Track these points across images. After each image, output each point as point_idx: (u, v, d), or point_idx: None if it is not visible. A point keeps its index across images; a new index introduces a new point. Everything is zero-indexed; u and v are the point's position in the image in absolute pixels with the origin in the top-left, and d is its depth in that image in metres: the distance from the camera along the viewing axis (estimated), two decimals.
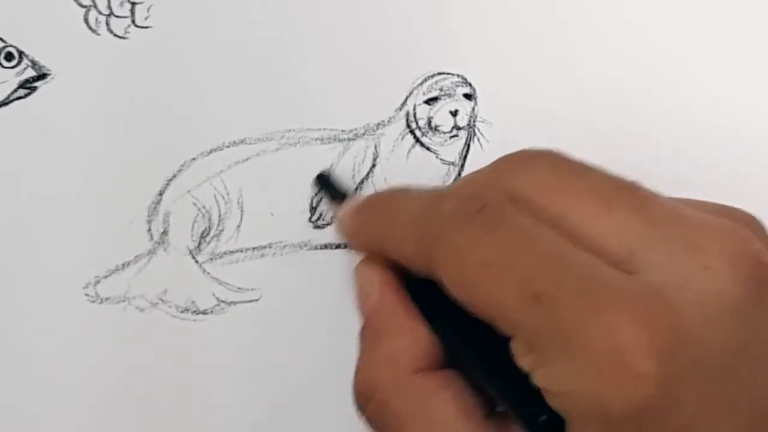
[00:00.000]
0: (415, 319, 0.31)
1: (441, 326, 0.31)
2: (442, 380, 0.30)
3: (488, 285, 0.27)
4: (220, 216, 0.39)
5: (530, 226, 0.28)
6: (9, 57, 0.38)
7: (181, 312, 0.38)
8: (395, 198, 0.33)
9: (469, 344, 0.30)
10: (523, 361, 0.27)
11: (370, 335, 0.32)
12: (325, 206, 0.39)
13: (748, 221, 0.29)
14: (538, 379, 0.27)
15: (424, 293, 0.32)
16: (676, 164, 0.39)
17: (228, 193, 0.38)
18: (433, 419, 0.30)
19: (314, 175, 0.38)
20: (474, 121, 0.39)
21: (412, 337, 0.31)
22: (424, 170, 0.39)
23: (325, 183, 0.38)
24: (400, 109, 0.39)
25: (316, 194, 0.38)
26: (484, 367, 0.30)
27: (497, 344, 0.28)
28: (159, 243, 0.38)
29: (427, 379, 0.30)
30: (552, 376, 0.26)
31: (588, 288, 0.26)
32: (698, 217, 0.28)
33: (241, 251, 0.39)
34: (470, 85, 0.39)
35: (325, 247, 0.39)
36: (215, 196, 0.38)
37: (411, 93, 0.39)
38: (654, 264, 0.27)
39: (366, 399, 0.31)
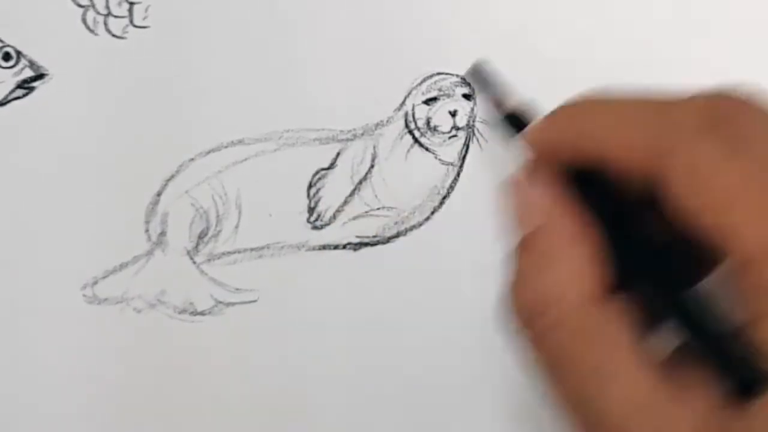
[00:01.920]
0: (596, 239, 0.29)
1: (624, 244, 0.29)
2: (620, 309, 0.29)
3: (732, 213, 0.26)
4: (218, 216, 0.38)
5: None
6: (7, 57, 0.38)
7: (179, 313, 0.38)
8: (617, 98, 0.30)
9: (655, 269, 0.29)
10: (752, 304, 0.26)
11: (534, 257, 0.30)
12: (323, 206, 0.39)
13: None
14: (763, 331, 0.26)
15: (603, 203, 0.30)
16: None
17: (226, 194, 0.38)
18: (611, 345, 0.28)
19: (312, 175, 0.38)
20: (473, 122, 0.39)
21: (592, 258, 0.29)
22: (422, 171, 0.39)
23: (481, 77, 0.35)
24: (399, 109, 0.39)
25: (474, 86, 0.36)
26: (673, 302, 0.29)
27: (680, 278, 0.28)
28: (157, 244, 0.38)
29: (607, 305, 0.29)
30: None
31: None
32: None
33: (239, 252, 0.38)
34: (469, 85, 0.38)
35: (324, 247, 0.39)
36: (213, 196, 0.38)
37: (410, 93, 0.38)
38: None
39: (537, 313, 0.29)
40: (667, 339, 0.29)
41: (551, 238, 0.30)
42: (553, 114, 0.31)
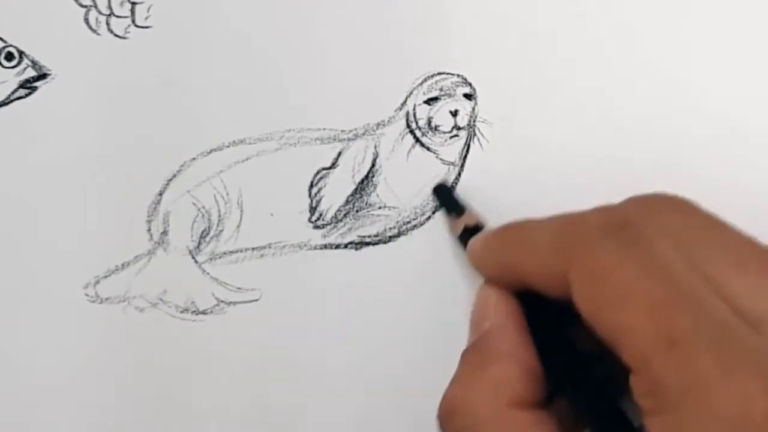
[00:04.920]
0: (529, 351, 0.31)
1: (553, 358, 0.31)
2: (537, 418, 0.30)
3: (624, 313, 0.27)
4: (219, 216, 0.39)
5: (673, 257, 0.27)
6: (9, 57, 0.38)
7: (181, 312, 0.38)
8: (531, 221, 0.32)
9: (579, 379, 0.31)
10: (643, 401, 0.27)
11: (477, 356, 0.32)
12: (325, 205, 0.39)
13: None
14: (653, 426, 0.26)
15: (543, 323, 0.32)
16: (676, 164, 0.39)
17: (228, 193, 0.38)
18: None
19: (313, 174, 0.38)
20: (474, 121, 0.39)
21: (521, 369, 0.31)
22: (424, 170, 0.39)
23: (442, 195, 0.38)
24: (400, 109, 0.39)
25: (436, 205, 0.38)
26: (590, 406, 0.30)
27: (605, 384, 0.29)
28: (159, 243, 0.38)
29: (525, 414, 0.30)
30: (668, 427, 0.26)
31: (726, 344, 0.26)
32: None
33: (241, 251, 0.39)
34: (470, 85, 0.38)
35: (325, 247, 0.39)
36: (215, 196, 0.38)
37: (411, 93, 0.39)
38: None
39: (454, 417, 0.31)
40: None
41: (487, 347, 0.32)
42: (474, 250, 0.35)
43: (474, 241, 0.35)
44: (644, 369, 0.26)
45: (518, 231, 0.33)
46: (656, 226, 0.29)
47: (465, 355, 0.32)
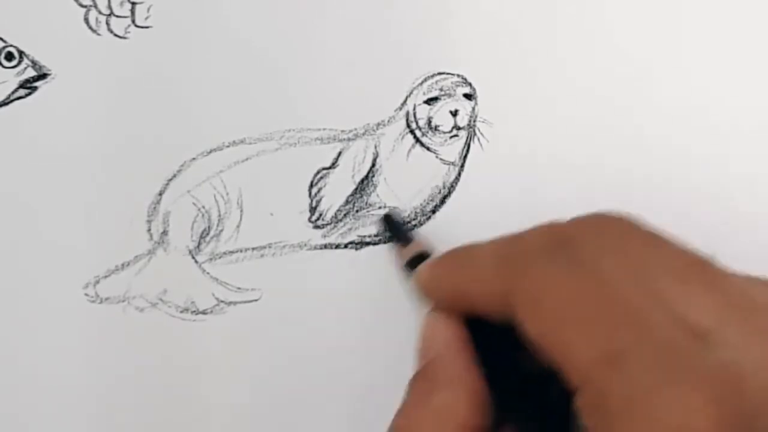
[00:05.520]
0: (474, 378, 0.31)
1: (501, 383, 0.31)
2: None
3: (564, 332, 0.27)
4: (219, 216, 0.39)
5: (616, 273, 0.27)
6: (9, 57, 0.38)
7: (181, 312, 0.38)
8: (475, 244, 0.32)
9: (527, 404, 0.31)
10: (587, 420, 0.26)
11: (423, 383, 0.32)
12: (325, 205, 0.39)
13: None
14: None
15: (491, 348, 0.32)
16: (675, 164, 0.39)
17: (228, 193, 0.38)
18: None
19: (313, 174, 0.38)
20: (474, 121, 0.39)
21: (468, 396, 0.31)
22: (424, 170, 0.39)
23: (391, 224, 0.38)
24: (400, 109, 0.39)
25: (383, 233, 0.38)
26: (540, 429, 0.30)
27: (556, 406, 0.29)
28: (159, 243, 0.38)
29: None
30: None
31: (667, 357, 0.25)
32: None
33: (241, 251, 0.39)
34: (470, 85, 0.38)
35: (325, 247, 0.39)
36: (215, 196, 0.38)
37: (411, 93, 0.39)
38: (728, 343, 0.26)
39: None
40: None
41: (433, 374, 0.32)
42: (420, 277, 0.35)
43: (420, 268, 0.35)
44: (587, 387, 0.26)
45: (462, 255, 0.33)
46: (599, 244, 0.29)
47: (411, 382, 0.32)
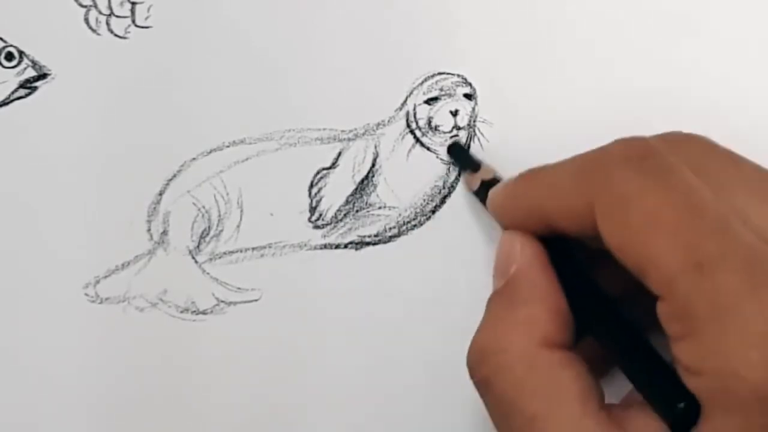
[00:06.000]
0: (557, 292, 0.31)
1: (580, 299, 0.31)
2: (569, 358, 0.30)
3: (651, 239, 0.27)
4: (219, 216, 0.39)
5: (698, 185, 0.28)
6: (9, 57, 0.38)
7: (181, 312, 0.38)
8: (551, 164, 0.32)
9: (607, 319, 0.30)
10: (671, 327, 0.27)
11: (506, 300, 0.32)
12: (325, 205, 0.39)
13: None
14: (682, 352, 0.26)
15: (567, 266, 0.32)
16: None
17: (228, 193, 0.38)
18: (555, 393, 0.29)
19: (313, 174, 0.38)
20: (474, 121, 0.39)
21: (551, 309, 0.30)
22: (424, 170, 0.39)
23: (458, 152, 0.38)
24: (400, 109, 0.39)
25: (452, 163, 0.38)
26: (619, 345, 0.30)
27: (634, 324, 0.29)
28: (159, 243, 0.38)
29: (556, 353, 0.30)
30: (699, 350, 0.26)
31: (754, 265, 0.26)
32: None
33: (241, 251, 0.39)
34: (470, 85, 0.38)
35: (325, 247, 0.39)
36: (215, 196, 0.38)
37: (411, 93, 0.38)
38: None
39: (485, 360, 0.30)
40: (619, 385, 0.31)
41: (516, 290, 0.31)
42: (495, 199, 0.34)
43: (494, 191, 0.35)
44: (672, 294, 0.26)
45: (539, 174, 0.33)
46: (683, 157, 0.29)
47: (492, 300, 0.32)
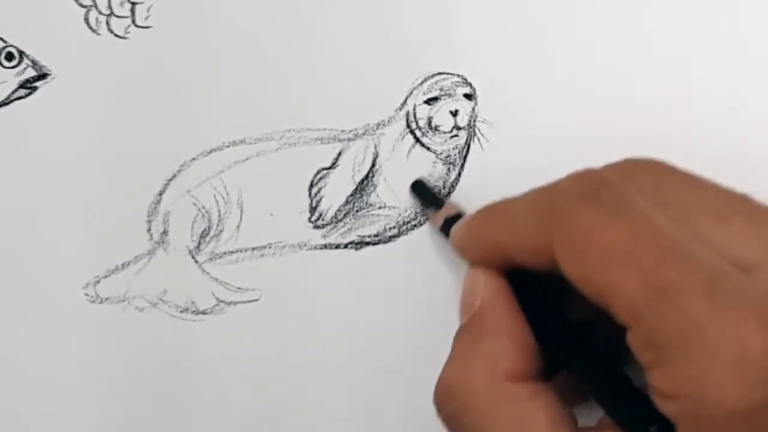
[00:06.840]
0: (520, 325, 0.31)
1: (548, 332, 0.31)
2: (535, 390, 0.30)
3: (610, 271, 0.27)
4: (219, 216, 0.39)
5: (653, 213, 0.28)
6: (9, 57, 0.38)
7: (181, 312, 0.38)
8: (508, 199, 0.33)
9: (575, 349, 0.31)
10: (642, 356, 0.27)
11: (470, 335, 0.32)
12: (325, 205, 0.39)
13: None
14: (656, 379, 0.26)
15: (533, 298, 0.32)
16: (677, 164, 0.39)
17: (228, 193, 0.38)
18: (522, 426, 0.29)
19: (313, 174, 0.38)
20: (474, 121, 0.39)
21: (515, 342, 0.31)
22: (424, 170, 0.39)
23: (421, 190, 0.38)
24: (400, 109, 0.39)
25: (415, 200, 0.38)
26: (589, 373, 0.30)
27: (602, 350, 0.29)
28: (159, 243, 0.38)
29: (522, 386, 0.30)
30: (670, 377, 0.26)
31: (716, 286, 0.26)
32: None
33: (241, 251, 0.39)
34: (470, 85, 0.38)
35: (325, 247, 0.39)
36: (215, 196, 0.38)
37: (411, 93, 0.39)
38: None
39: (451, 396, 0.31)
40: (592, 413, 0.31)
41: (480, 325, 0.32)
42: (457, 236, 0.35)
43: (455, 228, 0.35)
44: (637, 322, 0.27)
45: (496, 211, 0.33)
46: (636, 186, 0.29)
47: (457, 335, 0.32)
